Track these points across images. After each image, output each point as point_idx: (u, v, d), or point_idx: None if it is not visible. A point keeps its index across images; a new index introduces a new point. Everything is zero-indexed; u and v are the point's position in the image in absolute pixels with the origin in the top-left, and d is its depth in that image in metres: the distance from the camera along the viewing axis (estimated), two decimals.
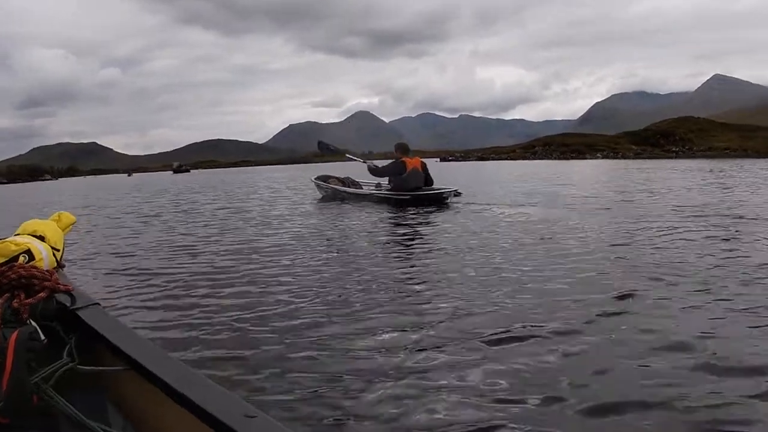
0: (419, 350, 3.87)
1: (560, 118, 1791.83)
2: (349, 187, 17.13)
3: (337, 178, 17.84)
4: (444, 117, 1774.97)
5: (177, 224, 13.12)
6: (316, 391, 3.29)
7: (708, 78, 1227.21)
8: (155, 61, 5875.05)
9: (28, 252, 2.47)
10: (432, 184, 15.25)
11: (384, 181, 15.83)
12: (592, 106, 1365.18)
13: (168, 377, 1.64)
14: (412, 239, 9.08)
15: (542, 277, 5.85)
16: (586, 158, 79.40)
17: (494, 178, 28.98)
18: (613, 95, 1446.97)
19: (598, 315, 4.49)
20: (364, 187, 17.07)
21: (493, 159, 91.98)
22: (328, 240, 9.34)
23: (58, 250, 2.84)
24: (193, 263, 7.72)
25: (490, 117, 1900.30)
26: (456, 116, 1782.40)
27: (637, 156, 78.98)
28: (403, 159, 15.03)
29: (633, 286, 5.32)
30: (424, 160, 15.79)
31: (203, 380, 1.65)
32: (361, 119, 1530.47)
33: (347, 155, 18.15)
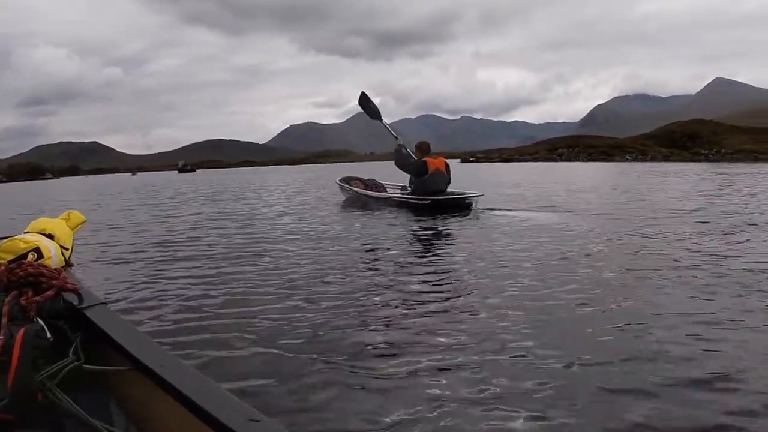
0: (427, 364, 3.67)
1: (561, 120, 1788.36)
2: (371, 190, 16.06)
3: (360, 179, 17.16)
4: (445, 118, 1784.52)
5: (192, 227, 12.42)
6: (320, 397, 3.24)
7: (710, 81, 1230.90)
8: (158, 60, 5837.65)
9: (37, 250, 2.50)
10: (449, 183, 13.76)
11: (407, 181, 14.35)
12: (593, 109, 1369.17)
13: (172, 379, 1.66)
14: (426, 251, 8.05)
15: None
16: (615, 160, 76.43)
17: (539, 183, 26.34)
18: (614, 98, 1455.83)
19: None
20: (389, 189, 16.02)
21: (517, 161, 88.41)
22: (333, 247, 8.59)
23: (67, 249, 2.87)
24: (202, 264, 7.57)
25: (491, 119, 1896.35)
26: (457, 118, 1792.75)
27: (666, 159, 75.80)
28: (425, 159, 13.49)
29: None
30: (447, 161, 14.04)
31: (208, 383, 1.67)
32: (362, 120, 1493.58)
33: (384, 123, 16.14)
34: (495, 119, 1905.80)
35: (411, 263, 7.08)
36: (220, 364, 3.79)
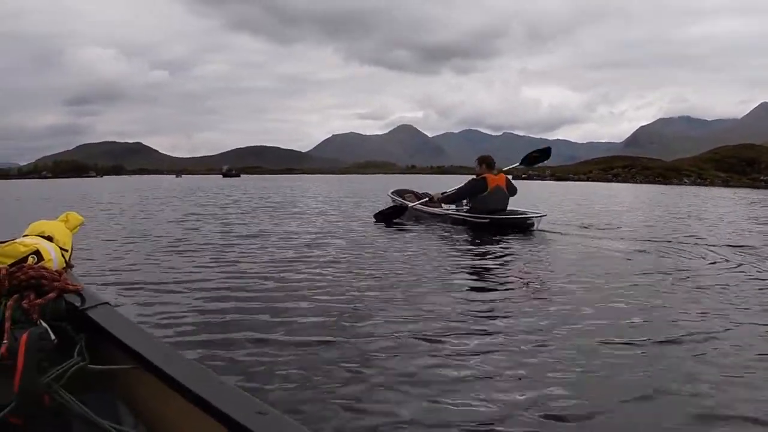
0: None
1: (604, 141, 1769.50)
2: (426, 205, 14.87)
3: (414, 193, 16.27)
4: (487, 134, 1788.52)
5: (196, 222, 13.11)
6: (329, 391, 3.27)
7: (755, 106, 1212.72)
8: (204, 65, 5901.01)
9: (37, 253, 2.48)
10: (515, 194, 12.94)
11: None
12: (636, 130, 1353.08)
13: (178, 375, 1.67)
14: (479, 274, 7.46)
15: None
16: (672, 183, 74.70)
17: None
18: (658, 119, 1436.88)
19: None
20: (443, 205, 14.58)
21: (572, 179, 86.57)
22: (370, 257, 8.47)
23: (66, 251, 2.85)
24: (206, 263, 7.68)
25: (533, 136, 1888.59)
26: (499, 134, 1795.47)
27: (725, 184, 73.27)
28: (485, 175, 12.52)
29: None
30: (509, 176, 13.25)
31: (214, 377, 1.68)
32: (404, 132, 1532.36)
33: (411, 207, 14.93)
34: (537, 137, 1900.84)
35: (460, 285, 6.57)
36: (224, 359, 3.78)
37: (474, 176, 12.97)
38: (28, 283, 2.07)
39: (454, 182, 13.85)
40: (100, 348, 1.99)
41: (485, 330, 4.65)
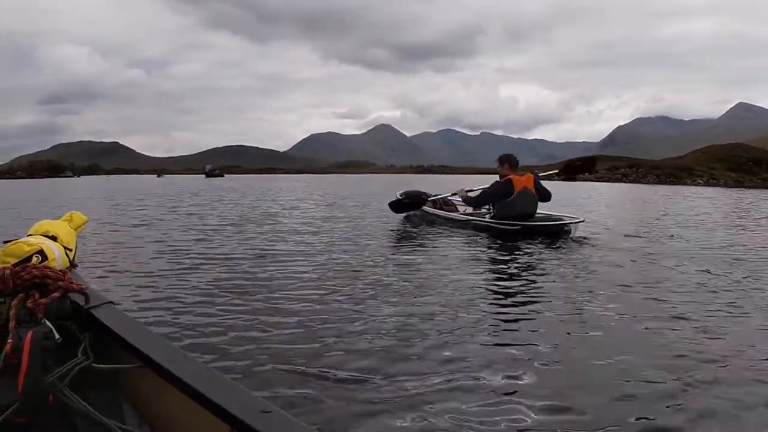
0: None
1: (581, 140, 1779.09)
2: (441, 208, 13.93)
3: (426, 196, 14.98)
4: (465, 134, 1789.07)
5: (197, 225, 12.96)
6: (330, 391, 3.24)
7: (732, 105, 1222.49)
8: (181, 63, 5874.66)
9: (41, 252, 2.51)
10: (549, 199, 11.51)
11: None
12: (614, 130, 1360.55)
13: (182, 374, 1.67)
14: (509, 286, 6.56)
15: None
16: (685, 183, 72.29)
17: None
18: (635, 119, 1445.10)
19: None
20: (460, 209, 13.83)
21: (580, 180, 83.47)
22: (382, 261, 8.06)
23: (70, 250, 2.88)
24: (211, 264, 7.55)
25: (511, 135, 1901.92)
26: (477, 133, 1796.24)
27: (738, 184, 70.88)
28: (510, 177, 11.21)
29: None
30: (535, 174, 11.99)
31: (218, 376, 1.68)
32: (383, 132, 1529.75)
33: (435, 195, 14.44)
34: (515, 136, 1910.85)
35: (488, 299, 5.81)
36: (228, 358, 3.74)
37: (497, 179, 11.59)
38: (32, 282, 2.10)
39: (441, 183, 13.15)
40: (104, 347, 2.02)
41: (512, 345, 4.24)
